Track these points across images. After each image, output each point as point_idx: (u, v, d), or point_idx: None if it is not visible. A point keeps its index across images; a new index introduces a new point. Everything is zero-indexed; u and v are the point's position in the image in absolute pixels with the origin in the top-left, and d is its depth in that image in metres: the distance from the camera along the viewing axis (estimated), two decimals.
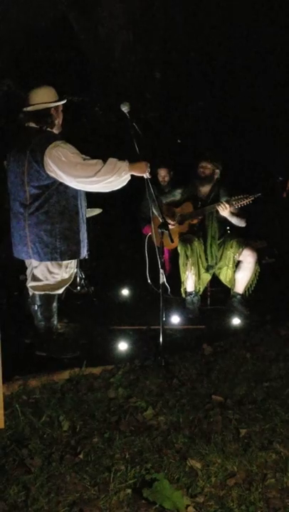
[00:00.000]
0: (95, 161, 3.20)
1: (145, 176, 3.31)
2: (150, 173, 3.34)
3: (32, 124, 3.36)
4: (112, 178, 3.20)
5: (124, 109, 3.27)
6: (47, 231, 3.32)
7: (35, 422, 2.53)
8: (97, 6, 7.14)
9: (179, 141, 6.58)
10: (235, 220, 4.42)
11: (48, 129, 3.36)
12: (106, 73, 7.19)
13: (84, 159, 3.20)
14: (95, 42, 7.47)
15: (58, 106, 3.40)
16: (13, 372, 3.07)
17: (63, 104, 3.46)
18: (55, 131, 3.42)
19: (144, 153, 3.31)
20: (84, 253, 3.55)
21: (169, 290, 3.59)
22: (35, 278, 3.49)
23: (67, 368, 3.22)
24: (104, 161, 3.20)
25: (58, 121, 3.43)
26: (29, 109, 3.34)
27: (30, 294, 3.56)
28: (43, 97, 3.34)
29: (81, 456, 2.23)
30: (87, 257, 4.03)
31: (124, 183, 3.29)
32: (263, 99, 6.81)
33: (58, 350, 3.51)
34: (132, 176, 3.29)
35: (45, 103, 3.32)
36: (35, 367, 3.24)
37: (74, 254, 3.44)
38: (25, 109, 3.36)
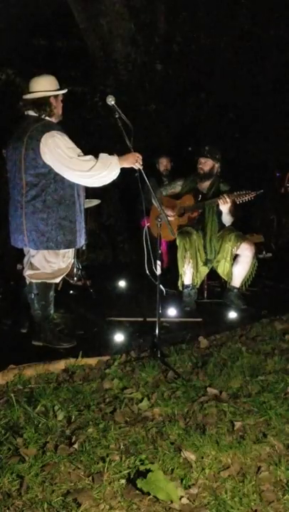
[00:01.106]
0: (88, 156, 3.23)
1: (135, 167, 3.33)
2: (144, 164, 3.36)
3: (31, 112, 3.35)
4: (104, 173, 3.23)
5: (110, 101, 3.26)
6: (43, 220, 3.31)
7: (30, 412, 2.53)
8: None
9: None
10: (228, 218, 4.41)
11: (47, 117, 3.35)
12: (106, 63, 7.15)
13: (78, 155, 3.21)
14: (96, 32, 7.43)
15: (57, 95, 3.38)
16: (8, 361, 3.07)
17: (63, 94, 3.44)
18: (54, 120, 3.40)
19: (143, 144, 3.32)
20: (81, 243, 3.55)
21: (164, 292, 3.62)
22: (32, 266, 3.49)
23: (62, 358, 3.23)
24: (96, 156, 3.24)
25: (58, 110, 3.41)
26: (28, 96, 3.32)
27: (27, 282, 3.55)
28: (43, 86, 3.32)
29: (76, 446, 2.23)
30: (84, 247, 4.02)
31: (115, 177, 3.32)
32: (264, 93, 6.79)
33: (54, 339, 3.51)
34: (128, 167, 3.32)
35: (45, 91, 3.31)
36: (31, 356, 3.24)
37: (70, 244, 3.42)
38: (24, 96, 3.35)
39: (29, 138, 3.23)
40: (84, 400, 2.70)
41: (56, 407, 2.59)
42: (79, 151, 3.24)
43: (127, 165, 3.30)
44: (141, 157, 3.31)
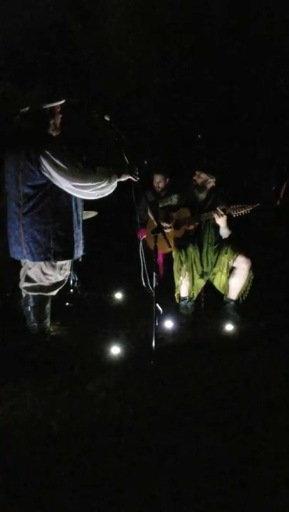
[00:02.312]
0: (86, 168, 3.27)
1: (133, 179, 3.40)
2: (141, 177, 3.38)
3: (28, 125, 3.36)
4: (103, 185, 3.29)
5: (106, 117, 3.31)
6: (40, 231, 3.31)
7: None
8: (96, 8, 7.13)
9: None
10: (225, 231, 4.42)
11: (44, 129, 3.35)
12: (104, 76, 7.18)
13: (76, 166, 3.23)
14: (94, 44, 7.46)
15: (54, 107, 3.38)
16: (4, 373, 3.06)
17: (62, 105, 3.44)
18: (52, 132, 3.40)
19: (138, 158, 3.36)
20: (78, 254, 3.54)
21: (161, 312, 3.63)
22: (28, 279, 3.48)
23: (59, 371, 3.21)
24: (94, 169, 3.29)
25: (55, 122, 3.41)
26: (25, 110, 3.33)
27: (24, 295, 3.54)
28: (39, 98, 3.33)
29: None
30: (80, 259, 4.02)
31: (112, 190, 3.38)
32: (264, 103, 6.79)
33: (50, 352, 3.49)
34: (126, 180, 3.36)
35: (41, 104, 3.31)
36: (27, 369, 3.22)
37: (67, 255, 3.42)
38: (21, 110, 3.35)
39: (26, 150, 3.23)
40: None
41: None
42: (77, 162, 3.25)
43: (124, 178, 3.34)
44: (137, 170, 3.34)
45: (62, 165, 3.18)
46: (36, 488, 2.06)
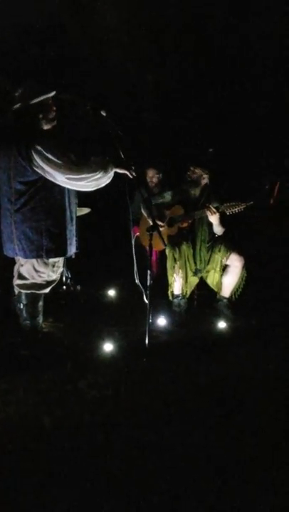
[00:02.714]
0: (80, 159, 3.23)
1: (130, 175, 3.37)
2: (137, 173, 3.36)
3: (19, 121, 3.32)
4: (99, 175, 3.24)
5: (102, 112, 3.29)
6: (32, 228, 3.29)
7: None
8: (91, 4, 7.09)
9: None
10: (219, 228, 4.42)
11: (36, 124, 3.32)
12: (98, 72, 7.15)
13: (69, 158, 3.19)
14: (88, 40, 7.43)
15: (44, 100, 3.31)
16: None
17: (53, 99, 3.39)
18: (46, 126, 3.36)
19: (132, 153, 3.34)
20: (71, 251, 3.52)
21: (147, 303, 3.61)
22: (21, 276, 3.47)
23: (51, 368, 3.20)
24: (88, 159, 3.25)
25: (47, 116, 3.36)
26: (17, 106, 3.29)
27: (16, 292, 3.52)
28: (28, 94, 3.28)
29: None
30: (73, 256, 4.00)
31: (109, 181, 3.34)
32: (261, 101, 6.79)
33: (43, 349, 3.48)
34: (121, 176, 3.32)
35: (29, 99, 3.26)
36: (19, 366, 3.21)
37: (60, 252, 3.40)
38: (13, 106, 3.31)
39: (18, 146, 3.20)
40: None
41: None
42: (70, 154, 3.22)
43: (120, 170, 3.32)
44: (134, 166, 3.33)
45: (54, 158, 3.14)
46: (28, 485, 2.06)
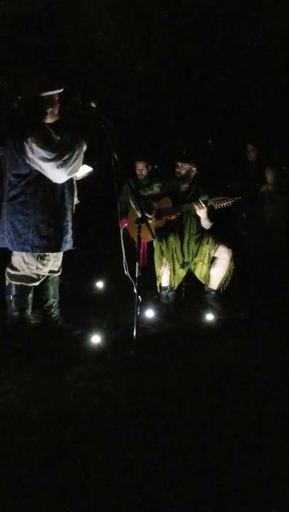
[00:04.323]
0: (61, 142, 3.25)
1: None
2: (125, 166, 3.37)
3: (22, 112, 3.30)
4: (77, 151, 3.22)
5: (92, 104, 3.27)
6: (21, 221, 3.27)
7: None
8: None
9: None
10: (206, 222, 4.43)
11: (39, 117, 3.31)
12: (87, 63, 7.09)
13: (54, 146, 3.19)
14: (77, 31, 7.36)
15: (52, 95, 3.31)
16: None
17: (60, 94, 3.38)
18: (49, 120, 3.36)
19: (122, 145, 3.33)
20: (64, 248, 3.45)
21: (140, 300, 3.57)
22: (11, 266, 3.46)
23: (38, 360, 3.19)
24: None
25: (52, 110, 3.35)
26: (21, 97, 3.27)
27: (7, 283, 3.50)
28: (38, 86, 3.26)
29: None
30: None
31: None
32: (249, 92, 6.78)
33: (30, 341, 3.47)
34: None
35: (40, 91, 3.25)
36: (6, 358, 3.20)
37: (47, 248, 3.35)
38: (18, 96, 3.30)
39: (14, 138, 3.19)
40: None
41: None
42: (54, 143, 3.20)
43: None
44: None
45: (41, 151, 3.12)
46: (14, 477, 2.06)
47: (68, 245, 3.47)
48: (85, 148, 3.28)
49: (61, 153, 3.14)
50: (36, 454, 2.21)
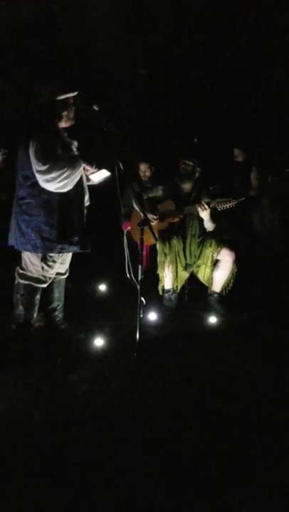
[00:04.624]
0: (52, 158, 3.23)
1: (90, 170, 3.44)
2: (129, 167, 3.39)
3: (38, 116, 3.34)
4: (68, 172, 3.20)
5: (95, 107, 3.30)
6: (25, 221, 3.31)
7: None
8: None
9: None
10: (210, 224, 4.42)
11: (54, 120, 3.36)
12: (89, 67, 7.11)
13: (49, 155, 3.20)
14: (79, 36, 7.38)
15: (67, 98, 3.36)
16: None
17: (74, 97, 3.42)
18: (64, 124, 3.42)
19: (123, 148, 3.35)
20: (68, 250, 3.45)
21: (144, 303, 3.55)
22: (21, 265, 3.51)
23: (41, 362, 3.20)
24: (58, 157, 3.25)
25: (67, 113, 3.39)
26: (42, 100, 3.31)
27: (16, 282, 3.52)
28: (53, 89, 3.30)
29: None
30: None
31: (79, 176, 3.34)
32: (250, 93, 6.78)
33: (34, 343, 3.47)
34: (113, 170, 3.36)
35: (55, 94, 3.30)
36: (9, 360, 3.21)
37: (49, 249, 3.36)
38: (37, 99, 3.34)
39: (24, 139, 3.24)
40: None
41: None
42: (55, 154, 3.22)
43: (86, 165, 3.36)
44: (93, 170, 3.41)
45: (34, 156, 3.17)
46: (17, 479, 2.05)
47: (75, 248, 3.46)
48: (79, 169, 3.28)
49: (50, 169, 3.15)
50: (39, 456, 2.20)
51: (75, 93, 3.38)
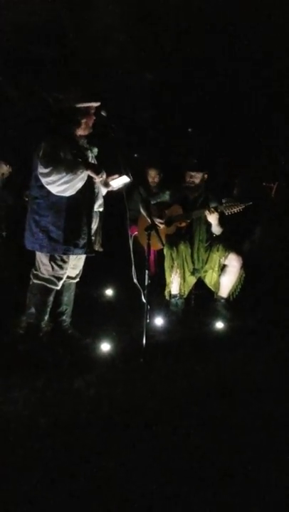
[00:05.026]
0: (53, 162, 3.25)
1: (97, 179, 3.44)
2: (136, 172, 3.41)
3: (53, 120, 3.41)
4: (67, 177, 3.21)
5: (102, 113, 3.33)
6: (35, 221, 3.39)
7: None
8: (90, 5, 7.08)
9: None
10: (217, 228, 4.42)
11: (72, 128, 3.41)
12: (96, 73, 7.14)
13: (51, 158, 3.22)
14: (86, 41, 7.41)
15: (89, 107, 3.40)
16: None
17: (96, 108, 3.45)
18: (82, 131, 3.46)
19: (132, 153, 3.37)
20: (74, 252, 3.45)
21: (149, 307, 3.52)
22: (34, 265, 3.55)
23: (48, 366, 3.20)
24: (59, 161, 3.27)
25: (86, 121, 3.44)
26: (63, 106, 3.37)
27: (31, 282, 3.54)
28: (78, 97, 3.36)
29: None
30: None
31: (83, 182, 3.33)
32: (258, 100, 6.78)
33: (40, 348, 3.47)
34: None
35: (79, 103, 3.35)
36: (16, 364, 3.21)
37: (54, 250, 3.40)
38: (58, 106, 3.39)
39: (38, 142, 3.31)
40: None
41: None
42: (59, 158, 3.25)
43: (92, 173, 3.36)
44: (104, 174, 3.42)
45: (38, 158, 3.23)
46: (23, 484, 2.05)
47: (80, 251, 3.48)
48: (80, 176, 3.28)
49: (50, 172, 3.19)
50: (45, 461, 2.20)
51: (98, 103, 3.42)
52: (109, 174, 3.52)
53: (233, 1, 6.24)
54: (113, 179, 3.54)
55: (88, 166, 3.33)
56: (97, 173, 3.38)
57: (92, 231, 3.66)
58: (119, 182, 3.54)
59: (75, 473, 2.13)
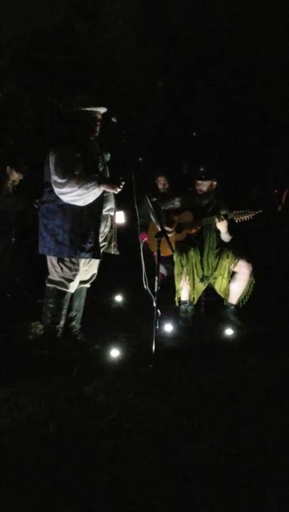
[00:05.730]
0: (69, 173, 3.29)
1: (115, 192, 3.46)
2: (145, 178, 3.43)
3: (65, 125, 3.50)
4: (79, 191, 3.25)
5: (113, 119, 3.37)
6: (44, 225, 3.48)
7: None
8: (101, 11, 7.13)
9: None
10: (227, 236, 4.41)
11: (83, 132, 3.46)
12: (107, 79, 7.19)
13: (66, 170, 3.27)
14: (97, 47, 7.46)
15: (96, 112, 3.46)
16: (3, 374, 3.07)
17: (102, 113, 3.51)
18: (90, 136, 3.50)
19: (141, 161, 3.40)
20: (81, 256, 3.46)
21: (160, 314, 3.52)
22: (48, 269, 3.58)
23: (58, 372, 3.20)
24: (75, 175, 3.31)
25: (96, 128, 3.49)
26: (72, 110, 3.46)
27: (46, 286, 3.57)
28: (85, 102, 3.43)
29: None
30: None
31: (95, 197, 3.35)
32: (266, 108, 6.79)
33: (50, 354, 3.48)
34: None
35: (85, 106, 3.41)
36: (26, 370, 3.22)
37: (60, 252, 3.43)
38: (68, 110, 3.51)
39: (49, 147, 3.40)
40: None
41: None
42: (73, 169, 3.28)
43: (107, 189, 3.37)
44: (122, 182, 3.40)
45: (53, 166, 3.28)
46: (32, 490, 2.05)
47: (87, 255, 3.48)
48: (93, 191, 3.29)
49: (64, 184, 3.25)
50: (55, 468, 2.19)
51: (106, 109, 3.47)
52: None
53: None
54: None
55: (102, 181, 3.34)
56: (113, 187, 3.38)
57: (103, 235, 3.67)
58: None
59: (84, 480, 2.12)
